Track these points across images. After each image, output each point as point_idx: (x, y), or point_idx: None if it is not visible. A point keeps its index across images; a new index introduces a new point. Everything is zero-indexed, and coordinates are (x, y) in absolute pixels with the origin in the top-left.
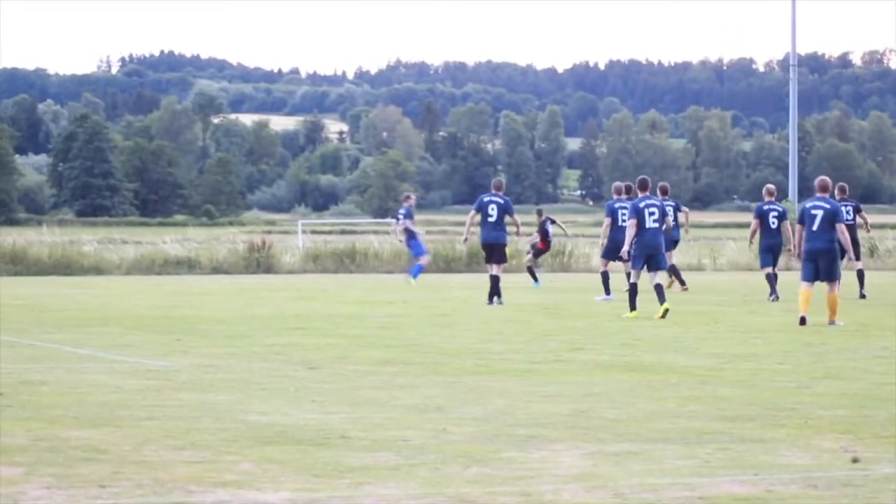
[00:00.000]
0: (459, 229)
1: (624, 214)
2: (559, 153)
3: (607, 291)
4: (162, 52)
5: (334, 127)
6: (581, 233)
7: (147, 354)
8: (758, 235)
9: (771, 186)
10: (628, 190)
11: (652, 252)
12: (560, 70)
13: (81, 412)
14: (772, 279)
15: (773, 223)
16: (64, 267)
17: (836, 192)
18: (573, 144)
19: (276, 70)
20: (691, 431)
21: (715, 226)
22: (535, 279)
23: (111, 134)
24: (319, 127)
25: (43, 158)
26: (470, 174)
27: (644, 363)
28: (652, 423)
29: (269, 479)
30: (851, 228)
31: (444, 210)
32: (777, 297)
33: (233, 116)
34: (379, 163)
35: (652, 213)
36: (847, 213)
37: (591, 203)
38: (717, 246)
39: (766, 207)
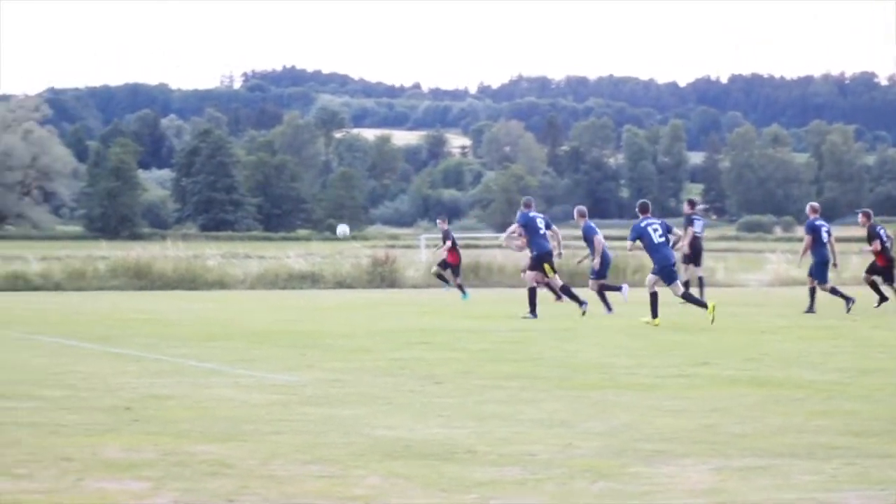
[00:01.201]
0: (581, 243)
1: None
2: (682, 167)
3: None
4: (284, 66)
5: (457, 141)
6: (710, 247)
7: (272, 369)
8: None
9: (815, 204)
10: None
11: (669, 264)
12: (682, 84)
13: (208, 426)
14: (836, 291)
15: (825, 237)
16: (188, 281)
17: None
18: (696, 158)
19: (398, 85)
20: (818, 446)
21: (837, 240)
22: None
23: (234, 149)
24: (442, 141)
25: (166, 173)
26: (592, 188)
27: (769, 378)
28: (778, 438)
29: (396, 494)
30: None
31: (566, 224)
32: (853, 302)
33: (355, 131)
34: (501, 177)
35: (656, 230)
36: None
37: (714, 217)
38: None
39: (817, 223)
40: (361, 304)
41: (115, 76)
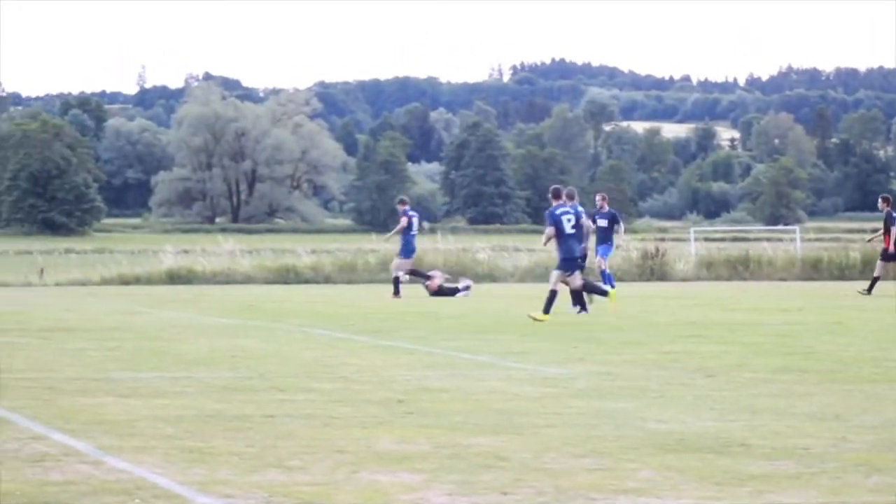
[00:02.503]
0: (852, 236)
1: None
2: None
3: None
4: (553, 59)
5: (726, 134)
6: None
7: (543, 362)
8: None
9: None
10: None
11: (576, 256)
12: None
13: (481, 419)
14: None
15: None
16: (458, 274)
17: None
18: None
19: (667, 77)
20: None
21: None
22: None
23: (503, 142)
24: (711, 134)
25: (435, 166)
26: (862, 181)
27: None
28: None
29: (669, 487)
30: None
31: (836, 217)
32: None
33: (624, 124)
34: (771, 170)
35: (570, 220)
36: None
37: None
38: None
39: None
40: (633, 297)
41: (384, 70)
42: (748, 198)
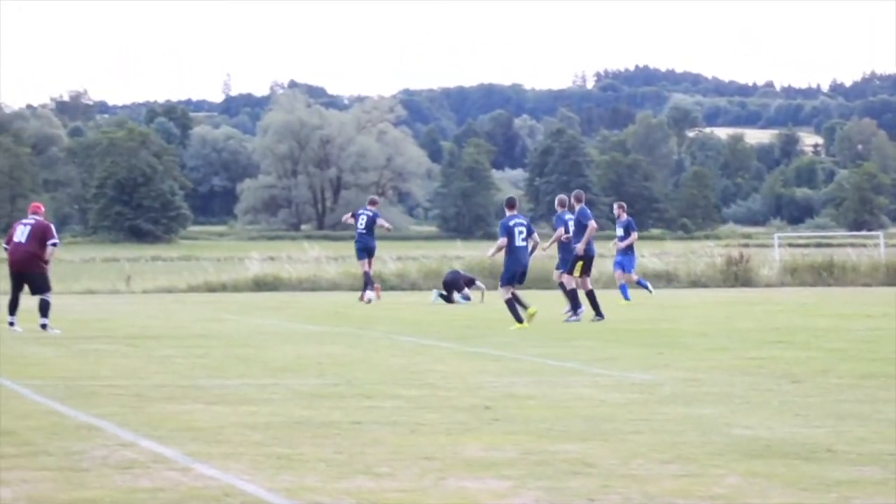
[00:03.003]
0: None
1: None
2: None
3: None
4: (637, 66)
5: (809, 140)
6: None
7: (629, 368)
8: None
9: None
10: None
11: (523, 269)
12: None
13: (568, 426)
14: None
15: None
16: (543, 280)
17: None
18: None
19: (750, 83)
20: None
21: None
22: None
23: (587, 148)
24: (794, 140)
25: (519, 173)
26: None
27: None
28: None
29: (756, 493)
30: None
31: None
32: None
33: (707, 130)
34: (854, 175)
35: (521, 232)
36: None
37: None
38: None
39: None
40: (717, 303)
41: (468, 77)
42: (832, 203)
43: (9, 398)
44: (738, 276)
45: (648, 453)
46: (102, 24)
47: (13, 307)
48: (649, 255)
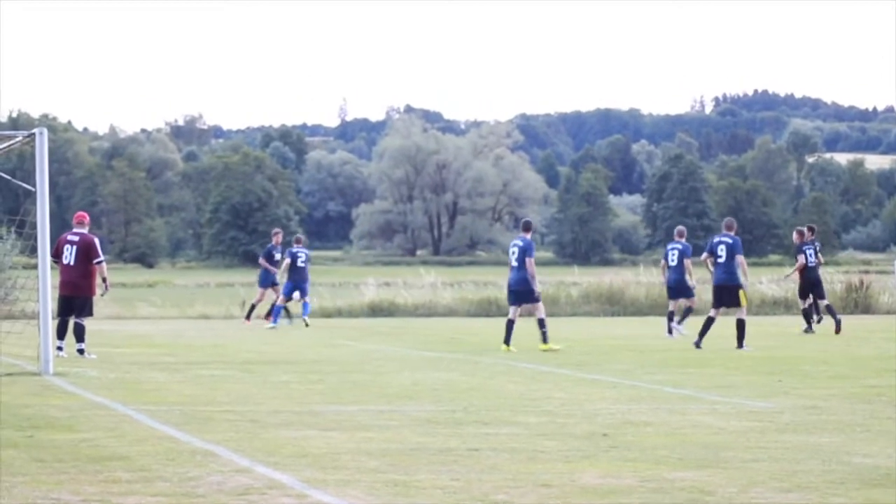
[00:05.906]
0: None
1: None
2: None
3: None
4: (755, 90)
5: None
6: None
7: (748, 395)
8: None
9: None
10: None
11: (515, 289)
12: None
13: (686, 453)
14: None
15: None
16: (660, 307)
17: None
18: None
19: (870, 108)
20: None
21: None
22: None
23: (705, 174)
24: None
25: (637, 198)
26: None
27: None
28: None
29: None
30: None
31: None
32: None
33: (827, 156)
34: None
35: (514, 253)
36: None
37: None
38: None
39: None
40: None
41: (586, 101)
42: None
43: (124, 423)
44: (857, 302)
45: (767, 482)
46: (218, 49)
47: (62, 332)
48: (767, 281)
